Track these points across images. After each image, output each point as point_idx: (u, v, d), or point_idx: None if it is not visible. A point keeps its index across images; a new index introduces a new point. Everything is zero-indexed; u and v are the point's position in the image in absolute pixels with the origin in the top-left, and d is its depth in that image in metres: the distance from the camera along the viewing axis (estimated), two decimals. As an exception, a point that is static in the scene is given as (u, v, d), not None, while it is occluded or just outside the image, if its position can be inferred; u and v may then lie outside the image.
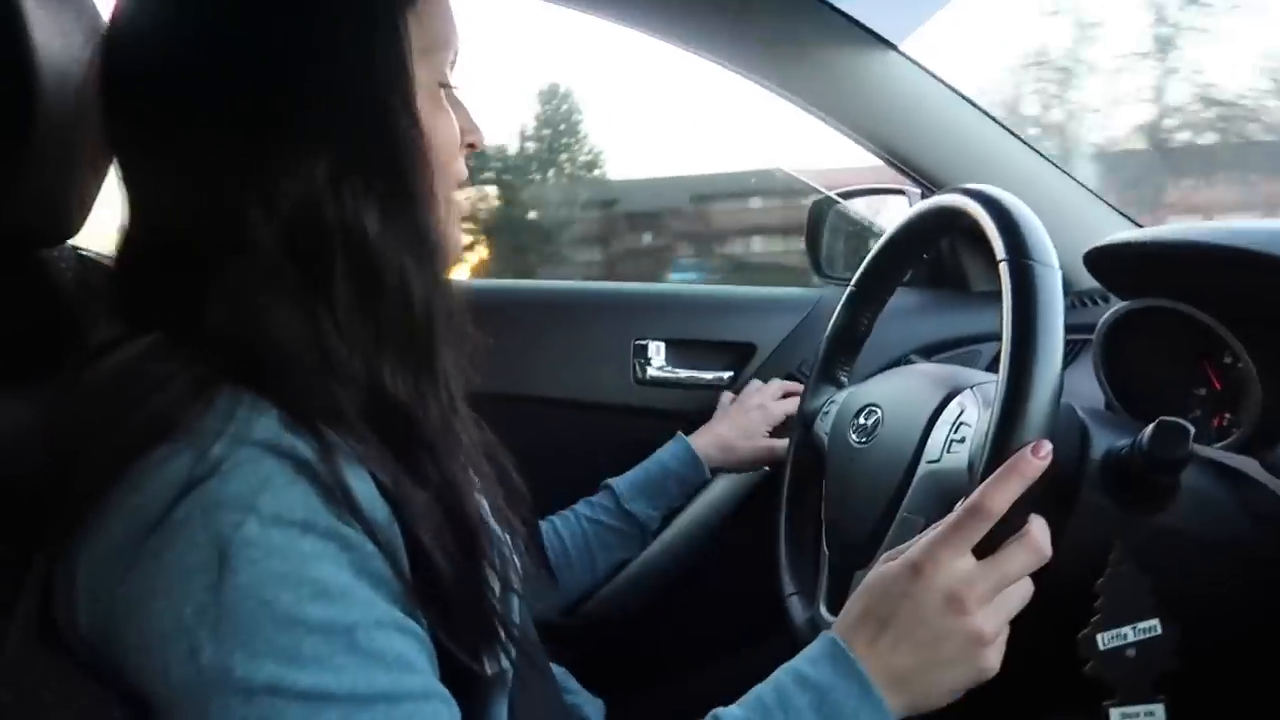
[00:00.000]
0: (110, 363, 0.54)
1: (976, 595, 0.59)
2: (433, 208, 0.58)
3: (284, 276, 0.54)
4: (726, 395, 1.19)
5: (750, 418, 1.12)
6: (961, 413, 0.72)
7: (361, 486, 0.51)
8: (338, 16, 0.55)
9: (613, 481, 1.05)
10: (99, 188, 0.74)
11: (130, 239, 0.59)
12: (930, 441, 0.73)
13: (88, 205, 0.74)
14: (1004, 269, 0.64)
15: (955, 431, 0.71)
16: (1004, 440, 0.60)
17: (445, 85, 0.62)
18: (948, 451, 0.71)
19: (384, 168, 0.55)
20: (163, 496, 0.48)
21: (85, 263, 0.77)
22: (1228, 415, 0.88)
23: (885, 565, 0.61)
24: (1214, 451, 0.79)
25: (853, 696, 0.58)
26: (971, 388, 0.75)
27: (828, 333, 0.96)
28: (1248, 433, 0.83)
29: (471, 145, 0.65)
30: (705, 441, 1.09)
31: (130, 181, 0.58)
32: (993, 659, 0.60)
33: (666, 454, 1.08)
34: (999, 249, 0.65)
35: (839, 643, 0.60)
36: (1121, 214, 1.22)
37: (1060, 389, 0.61)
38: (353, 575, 0.49)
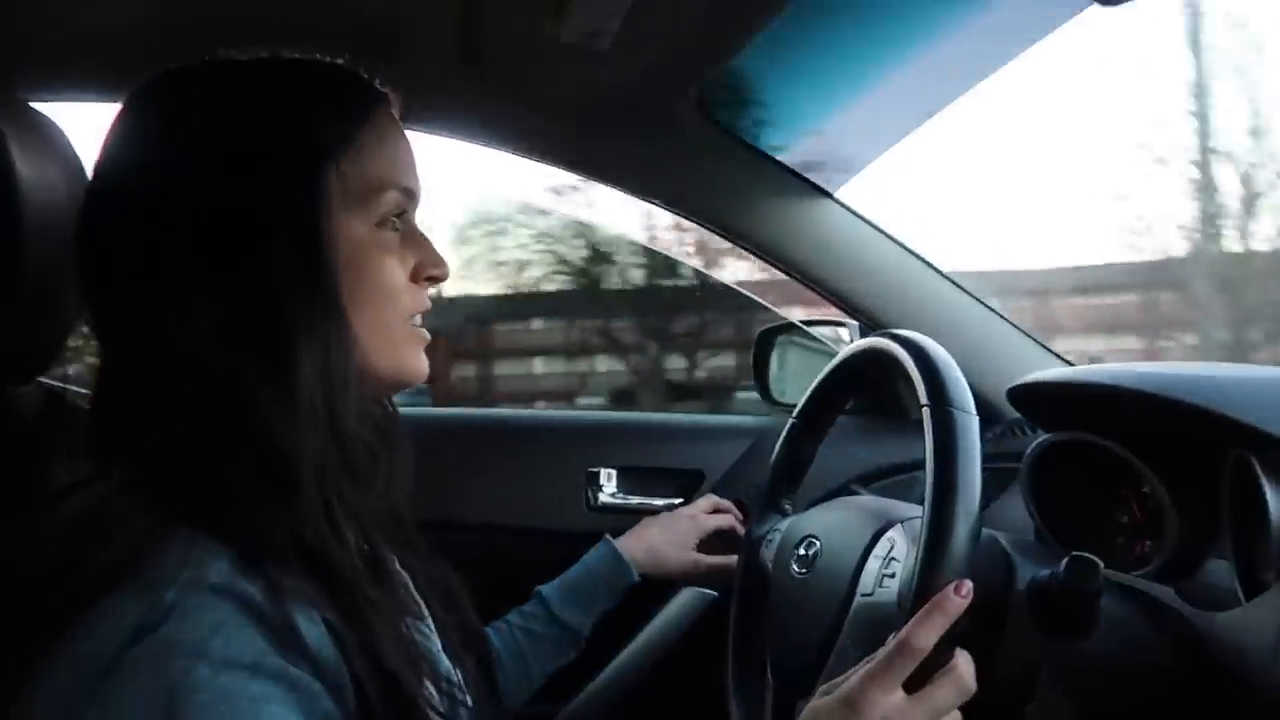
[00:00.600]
0: (74, 504, 0.56)
1: None
2: (339, 351, 0.58)
3: (195, 425, 0.56)
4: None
5: (680, 526, 1.12)
6: (892, 548, 0.76)
7: (310, 627, 0.52)
8: (237, 183, 0.58)
9: (543, 589, 1.05)
10: (72, 328, 0.77)
11: (98, 379, 0.61)
12: (864, 575, 0.76)
13: (62, 344, 0.76)
14: (926, 414, 0.69)
15: (886, 566, 0.74)
16: (928, 579, 0.63)
17: (387, 226, 0.63)
18: (880, 585, 0.73)
19: (266, 324, 0.57)
20: (115, 641, 0.49)
21: (50, 397, 0.79)
22: (1148, 542, 0.92)
23: (821, 700, 0.63)
24: (1131, 579, 0.83)
25: None
26: (902, 523, 0.78)
27: (771, 463, 0.99)
28: (1166, 559, 0.86)
29: (431, 279, 0.67)
30: (631, 543, 1.09)
31: (93, 325, 0.62)
32: None
33: (593, 558, 1.07)
34: (922, 395, 0.70)
35: None
36: (1049, 350, 1.28)
37: (979, 529, 0.64)
38: (299, 716, 0.50)
